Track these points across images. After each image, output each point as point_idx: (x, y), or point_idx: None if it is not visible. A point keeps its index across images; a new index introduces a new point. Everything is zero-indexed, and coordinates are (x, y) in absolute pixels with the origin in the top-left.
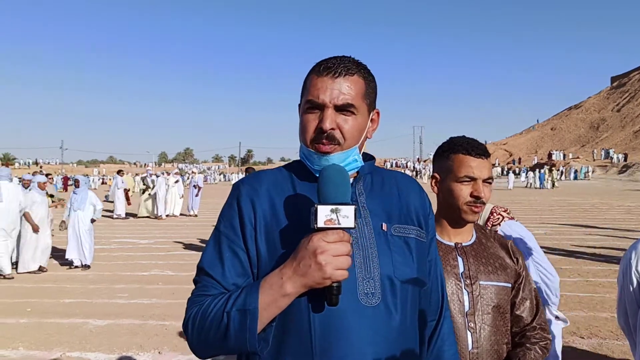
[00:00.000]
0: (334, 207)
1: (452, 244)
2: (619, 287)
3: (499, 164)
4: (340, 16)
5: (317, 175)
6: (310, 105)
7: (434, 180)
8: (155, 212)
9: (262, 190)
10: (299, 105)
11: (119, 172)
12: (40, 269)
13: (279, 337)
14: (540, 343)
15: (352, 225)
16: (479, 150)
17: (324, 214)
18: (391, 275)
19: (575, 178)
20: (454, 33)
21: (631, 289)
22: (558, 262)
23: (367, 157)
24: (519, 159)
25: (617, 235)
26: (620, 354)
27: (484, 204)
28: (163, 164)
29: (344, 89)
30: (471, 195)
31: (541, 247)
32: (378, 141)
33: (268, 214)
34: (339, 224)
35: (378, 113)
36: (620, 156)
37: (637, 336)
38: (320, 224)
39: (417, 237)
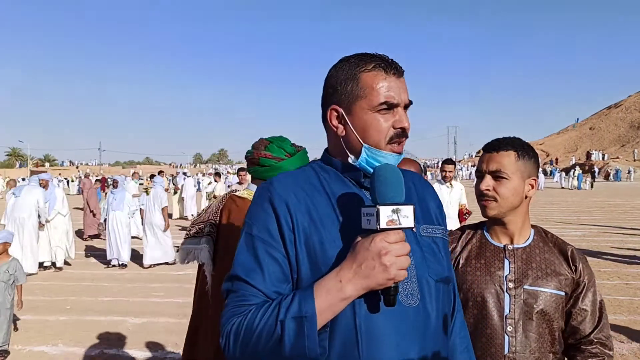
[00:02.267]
0: (395, 207)
1: (501, 245)
2: None
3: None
4: (371, 13)
5: (369, 175)
6: (387, 106)
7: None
8: (185, 213)
9: (294, 191)
10: (334, 108)
11: (160, 172)
12: (54, 266)
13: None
14: (595, 358)
15: (412, 225)
16: (491, 145)
17: (385, 214)
18: (426, 276)
19: (618, 179)
20: (491, 31)
21: None
22: (597, 265)
23: None
24: (556, 159)
25: None
26: None
27: (494, 199)
28: (198, 164)
29: (405, 87)
30: (477, 189)
31: (580, 250)
32: (413, 141)
33: (304, 216)
34: (399, 224)
35: None
36: None
37: None
38: (383, 224)
39: (442, 237)
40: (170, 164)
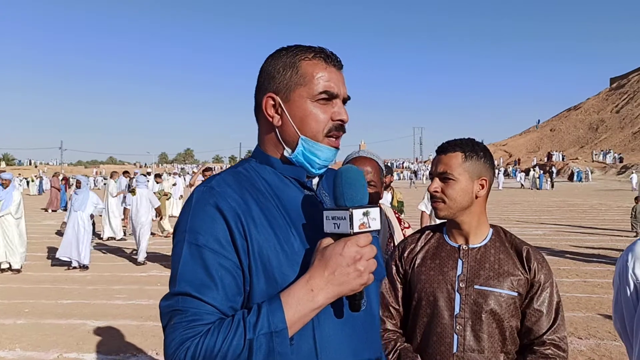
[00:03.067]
0: (365, 210)
1: (457, 245)
2: (615, 289)
3: (497, 164)
4: (338, 20)
5: (316, 172)
6: (327, 96)
7: None
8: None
9: (239, 194)
10: (270, 96)
11: (125, 173)
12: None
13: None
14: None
15: (379, 227)
16: (439, 147)
17: (358, 218)
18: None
19: (580, 180)
20: (454, 35)
21: (628, 292)
22: (557, 263)
23: None
24: (519, 159)
25: (615, 236)
26: (618, 354)
27: (442, 200)
28: (163, 164)
29: (344, 81)
30: (428, 190)
31: (539, 248)
32: (379, 142)
33: (256, 222)
34: (369, 227)
35: None
36: (617, 156)
37: (634, 340)
38: (356, 228)
39: (376, 235)
40: (134, 164)
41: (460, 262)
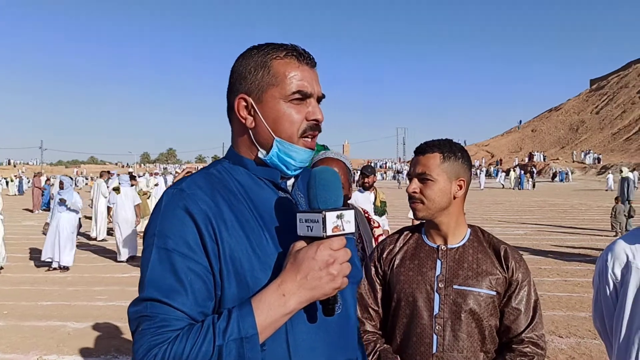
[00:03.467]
0: (339, 212)
1: (435, 246)
2: (594, 288)
3: (479, 165)
4: (323, 22)
5: (291, 173)
6: (300, 96)
7: None
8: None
9: (211, 196)
10: (242, 97)
11: (107, 172)
12: None
13: None
14: (524, 358)
15: (353, 230)
16: (418, 148)
17: (331, 220)
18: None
19: (562, 180)
20: (437, 37)
21: (608, 291)
22: (537, 262)
23: None
24: (500, 160)
25: (595, 235)
26: (598, 353)
27: (420, 201)
28: (146, 164)
29: (318, 79)
30: (407, 191)
31: (521, 248)
32: (363, 142)
33: (227, 224)
34: (343, 230)
35: None
36: (595, 156)
37: (613, 339)
38: (329, 231)
39: (352, 237)
40: (116, 164)
41: (439, 262)
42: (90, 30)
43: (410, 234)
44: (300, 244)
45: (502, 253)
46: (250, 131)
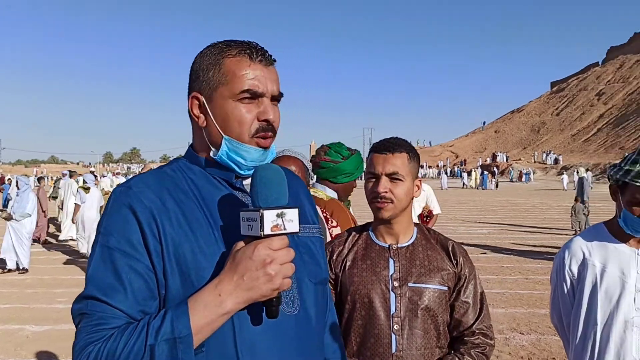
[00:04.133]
0: (279, 211)
1: (386, 245)
2: (552, 285)
3: (442, 165)
4: (291, 21)
5: (243, 173)
6: (249, 95)
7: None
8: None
9: (158, 195)
10: (195, 96)
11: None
12: None
13: None
14: (477, 349)
15: (297, 230)
16: (384, 146)
17: (270, 219)
18: (306, 279)
19: (526, 180)
20: (403, 38)
21: (565, 288)
22: (500, 261)
23: None
24: (465, 160)
25: (555, 234)
26: (557, 348)
27: (391, 200)
28: (109, 164)
29: (275, 77)
30: (372, 191)
31: (484, 247)
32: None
33: (172, 223)
34: (284, 229)
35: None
36: (554, 157)
37: (570, 334)
38: (267, 230)
39: (319, 235)
40: (78, 163)
41: (391, 261)
42: (49, 24)
43: (358, 235)
44: (241, 243)
45: (450, 249)
46: (203, 130)
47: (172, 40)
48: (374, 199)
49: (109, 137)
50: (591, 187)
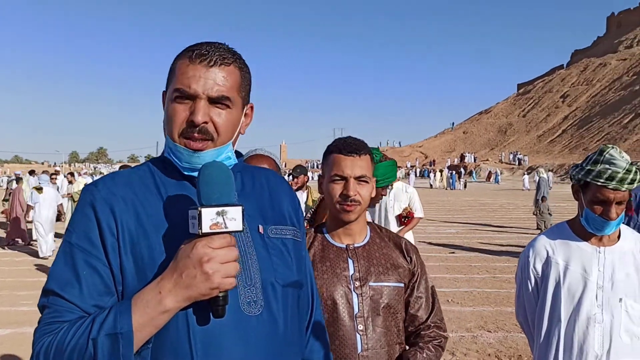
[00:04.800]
0: (219, 209)
1: (344, 246)
2: (517, 284)
3: (411, 165)
4: (258, 20)
5: (186, 173)
6: (179, 94)
7: (320, 182)
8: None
9: (122, 193)
10: (164, 92)
11: (31, 172)
12: None
13: (155, 359)
14: (434, 342)
15: (240, 228)
16: (350, 148)
17: (209, 217)
18: (272, 280)
19: (497, 181)
20: (374, 39)
21: (530, 286)
22: (468, 260)
23: (236, 155)
24: (434, 160)
25: (522, 233)
26: (523, 346)
27: (359, 202)
28: (74, 163)
29: (219, 79)
30: (341, 194)
31: (453, 246)
32: (299, 143)
33: (132, 221)
34: (225, 227)
35: (252, 107)
36: (519, 157)
37: (535, 331)
38: (206, 229)
39: (294, 237)
40: (42, 163)
41: (350, 261)
42: (9, 20)
43: (313, 236)
44: (186, 242)
45: (403, 246)
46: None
47: (141, 39)
48: (343, 201)
49: (74, 136)
50: (550, 187)
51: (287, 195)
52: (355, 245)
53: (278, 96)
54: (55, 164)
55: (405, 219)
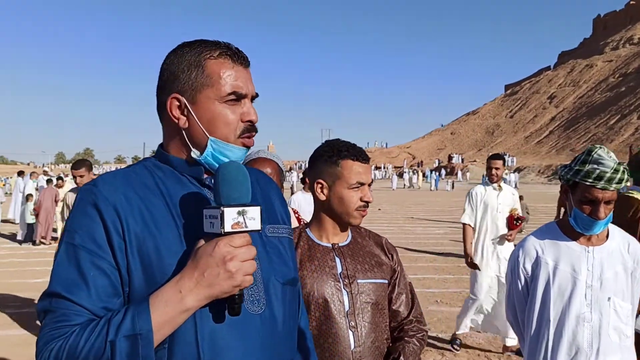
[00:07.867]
0: (240, 209)
1: (330, 245)
2: (507, 284)
3: (394, 167)
4: (247, 18)
5: (205, 176)
6: (235, 97)
7: (319, 186)
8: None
9: (124, 192)
10: (173, 97)
11: (20, 173)
12: None
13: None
14: (418, 335)
15: (259, 228)
16: (364, 155)
17: (230, 217)
18: (272, 279)
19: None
20: (362, 39)
21: (519, 286)
22: (457, 261)
23: None
24: (421, 161)
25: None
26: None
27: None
28: (61, 164)
29: (251, 79)
30: (361, 200)
31: (441, 246)
32: (287, 143)
33: (137, 220)
34: (246, 227)
35: None
36: (508, 159)
37: (525, 331)
38: (228, 228)
39: (288, 236)
40: (28, 164)
41: (337, 259)
42: None
43: (298, 236)
44: (203, 241)
45: (384, 244)
46: (183, 131)
47: (127, 38)
48: (362, 207)
49: (60, 136)
50: (517, 188)
51: (277, 195)
52: (340, 244)
53: (265, 96)
54: (42, 164)
55: (516, 221)
